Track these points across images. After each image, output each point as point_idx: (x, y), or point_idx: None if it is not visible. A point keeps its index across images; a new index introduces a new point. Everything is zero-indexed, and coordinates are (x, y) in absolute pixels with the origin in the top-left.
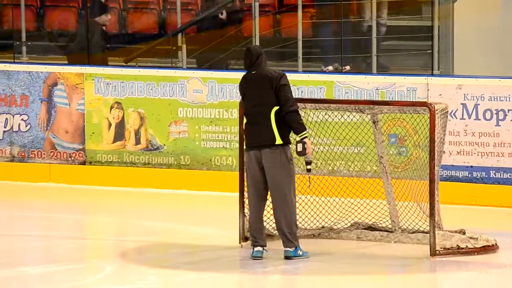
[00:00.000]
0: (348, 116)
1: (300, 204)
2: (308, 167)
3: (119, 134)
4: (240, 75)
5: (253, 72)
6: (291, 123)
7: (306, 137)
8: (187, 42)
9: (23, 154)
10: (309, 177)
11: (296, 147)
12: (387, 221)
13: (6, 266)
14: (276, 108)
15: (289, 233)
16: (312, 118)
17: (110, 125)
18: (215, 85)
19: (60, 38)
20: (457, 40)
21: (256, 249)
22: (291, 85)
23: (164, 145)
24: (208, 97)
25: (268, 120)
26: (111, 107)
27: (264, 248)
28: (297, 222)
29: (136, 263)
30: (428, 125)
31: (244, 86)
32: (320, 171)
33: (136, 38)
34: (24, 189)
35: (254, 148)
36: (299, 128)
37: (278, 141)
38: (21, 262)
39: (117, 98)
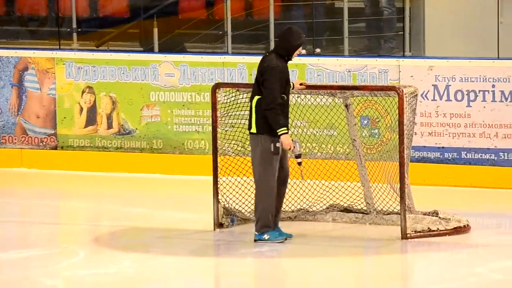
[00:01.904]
0: (321, 100)
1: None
2: (298, 160)
3: (91, 118)
4: (212, 58)
5: (266, 55)
6: (268, 120)
7: (283, 134)
8: (158, 25)
9: None
10: (301, 171)
11: (271, 147)
12: (362, 203)
13: None
14: (257, 97)
15: (256, 217)
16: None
17: (81, 109)
18: (187, 69)
19: (30, 22)
20: (428, 21)
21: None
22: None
23: (136, 129)
24: (180, 80)
25: (251, 108)
26: (83, 92)
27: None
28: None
29: (110, 248)
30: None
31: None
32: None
33: (107, 22)
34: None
35: None
36: (274, 126)
37: (253, 130)
38: None
39: (88, 83)
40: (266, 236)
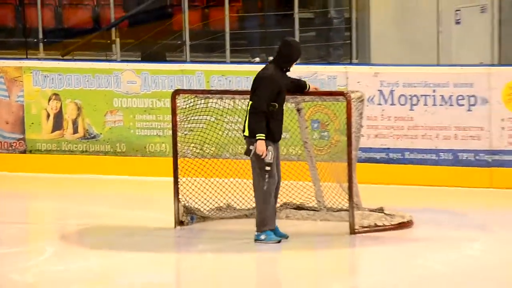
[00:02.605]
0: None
1: (235, 185)
2: (266, 168)
3: (58, 124)
4: (171, 66)
5: (267, 64)
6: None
7: (260, 139)
8: (120, 36)
9: None
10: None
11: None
12: (313, 201)
13: None
14: (250, 103)
15: (257, 219)
16: (241, 106)
17: (48, 115)
18: (148, 76)
19: None
20: (373, 31)
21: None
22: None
23: (101, 133)
24: (141, 87)
25: (246, 113)
26: (49, 99)
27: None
28: (235, 205)
29: (77, 245)
30: (347, 112)
31: None
32: (246, 155)
33: (72, 32)
34: None
35: None
36: (253, 130)
37: (246, 132)
38: None
39: (55, 90)
40: (262, 237)
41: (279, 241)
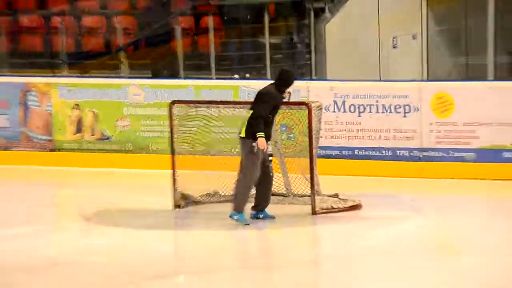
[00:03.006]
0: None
1: (220, 176)
2: (269, 158)
3: (79, 128)
4: (169, 81)
5: (269, 84)
6: (252, 128)
7: (260, 137)
8: (127, 57)
9: (6, 144)
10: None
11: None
12: (282, 188)
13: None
14: (251, 112)
15: (233, 201)
16: (223, 113)
17: (71, 121)
18: (149, 90)
19: (31, 56)
20: (328, 53)
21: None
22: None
23: (113, 135)
24: (145, 99)
25: (245, 120)
26: (72, 108)
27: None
28: (220, 192)
29: (94, 224)
30: (309, 117)
31: None
32: (231, 153)
33: (89, 55)
34: (9, 171)
35: None
36: (255, 130)
37: (242, 134)
38: (9, 223)
39: (76, 101)
40: (235, 217)
41: (247, 224)
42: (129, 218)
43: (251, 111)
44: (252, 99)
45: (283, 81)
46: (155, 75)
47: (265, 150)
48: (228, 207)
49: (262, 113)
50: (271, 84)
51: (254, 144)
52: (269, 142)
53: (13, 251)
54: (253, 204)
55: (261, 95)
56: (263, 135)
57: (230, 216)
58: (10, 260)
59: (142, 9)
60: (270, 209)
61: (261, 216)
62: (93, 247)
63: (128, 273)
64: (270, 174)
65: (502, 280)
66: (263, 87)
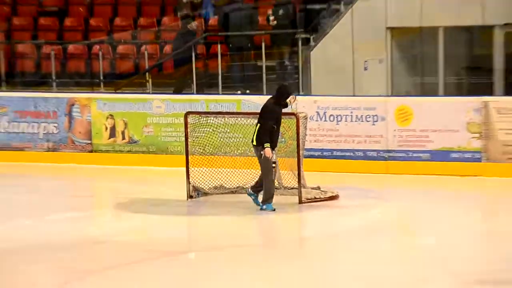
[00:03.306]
0: (249, 120)
1: (226, 173)
2: (273, 165)
3: (112, 133)
4: (184, 96)
5: (269, 99)
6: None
7: (266, 147)
8: (152, 77)
9: (55, 146)
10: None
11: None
12: (276, 182)
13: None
14: (259, 124)
15: (263, 195)
16: (228, 122)
17: (106, 128)
18: (169, 103)
19: (75, 76)
20: (313, 74)
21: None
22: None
23: (139, 139)
24: (165, 110)
25: (255, 130)
26: (107, 118)
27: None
28: (226, 185)
29: (125, 211)
30: (297, 126)
31: None
32: (234, 153)
33: (121, 75)
34: (56, 168)
35: None
36: (261, 142)
37: (254, 142)
38: (56, 210)
39: (110, 112)
40: (264, 207)
41: (274, 210)
42: (151, 205)
43: (258, 124)
44: (251, 111)
45: (281, 95)
46: (178, 91)
47: (270, 158)
48: (232, 198)
49: (267, 127)
50: (271, 98)
51: (262, 152)
52: (273, 151)
53: (59, 232)
54: (253, 184)
55: (264, 111)
56: (269, 146)
57: (261, 208)
58: (57, 239)
59: (164, 39)
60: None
61: (264, 207)
62: (121, 229)
63: (149, 249)
64: (273, 176)
65: (450, 253)
66: (265, 101)
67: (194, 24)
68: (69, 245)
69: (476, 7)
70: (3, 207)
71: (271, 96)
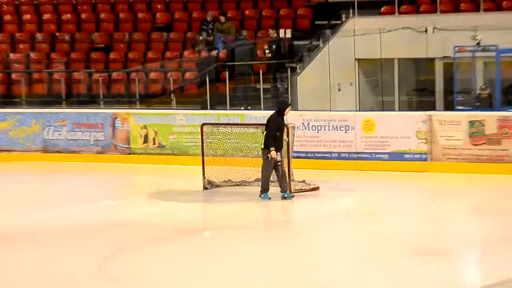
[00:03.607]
0: (251, 130)
1: (234, 170)
2: (278, 164)
3: (145, 140)
4: (201, 111)
5: (273, 113)
6: (267, 143)
7: (272, 150)
8: (176, 97)
9: (102, 150)
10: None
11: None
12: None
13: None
14: (265, 132)
15: (261, 187)
16: (235, 131)
17: (141, 136)
18: (189, 117)
19: (117, 97)
20: (299, 93)
21: (268, 193)
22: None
23: (166, 144)
24: (186, 122)
25: (262, 138)
26: (141, 128)
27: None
28: (233, 179)
29: (152, 199)
30: (286, 133)
31: None
32: (239, 155)
33: (152, 95)
34: (103, 167)
35: None
36: (267, 146)
37: (262, 146)
38: (99, 198)
39: (144, 123)
40: (262, 195)
41: (270, 198)
42: (175, 195)
43: (265, 132)
44: (252, 122)
45: (282, 107)
46: (204, 107)
47: (276, 159)
48: (237, 189)
49: (271, 134)
50: (274, 112)
51: (268, 154)
52: (278, 153)
53: (101, 217)
54: (279, 189)
55: (269, 122)
56: (274, 149)
57: (260, 196)
58: (99, 222)
59: (185, 68)
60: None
61: (285, 196)
62: (152, 213)
63: (174, 228)
64: (280, 171)
65: (403, 230)
66: (267, 115)
67: (215, 52)
68: (113, 224)
69: (422, 43)
70: (61, 197)
71: (274, 111)
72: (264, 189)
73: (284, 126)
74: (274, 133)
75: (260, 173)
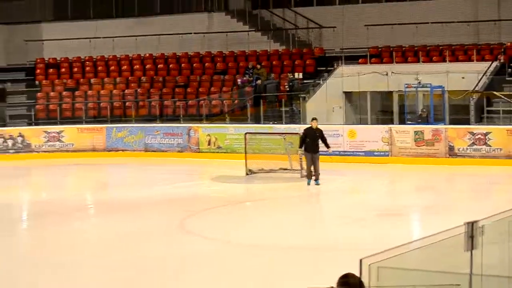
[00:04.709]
0: (277, 137)
1: (265, 163)
2: (300, 158)
3: (209, 143)
4: (245, 125)
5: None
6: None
7: (299, 150)
8: (229, 115)
9: (181, 150)
10: (301, 161)
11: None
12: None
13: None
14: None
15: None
16: (266, 137)
17: (206, 141)
18: (237, 129)
19: (191, 116)
20: (307, 113)
21: (310, 179)
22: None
23: (222, 146)
24: (234, 131)
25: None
26: (206, 135)
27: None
28: (265, 168)
29: (212, 180)
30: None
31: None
32: (269, 152)
33: (213, 115)
34: (182, 161)
35: None
36: (299, 147)
37: (298, 147)
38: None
39: (208, 133)
40: (308, 181)
41: (309, 184)
42: (228, 178)
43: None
44: (276, 132)
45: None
46: (246, 122)
47: (300, 154)
48: (269, 175)
49: (301, 140)
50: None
51: (300, 152)
52: (302, 153)
53: (178, 192)
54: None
55: (302, 132)
56: (303, 150)
57: (308, 183)
58: (177, 196)
59: (235, 97)
60: (281, 175)
61: (318, 183)
62: (213, 190)
63: (226, 200)
64: (316, 164)
65: (375, 201)
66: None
67: (260, 81)
68: (185, 197)
69: (385, 82)
70: (148, 180)
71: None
72: (307, 176)
73: (312, 133)
74: (304, 140)
75: (285, 164)
